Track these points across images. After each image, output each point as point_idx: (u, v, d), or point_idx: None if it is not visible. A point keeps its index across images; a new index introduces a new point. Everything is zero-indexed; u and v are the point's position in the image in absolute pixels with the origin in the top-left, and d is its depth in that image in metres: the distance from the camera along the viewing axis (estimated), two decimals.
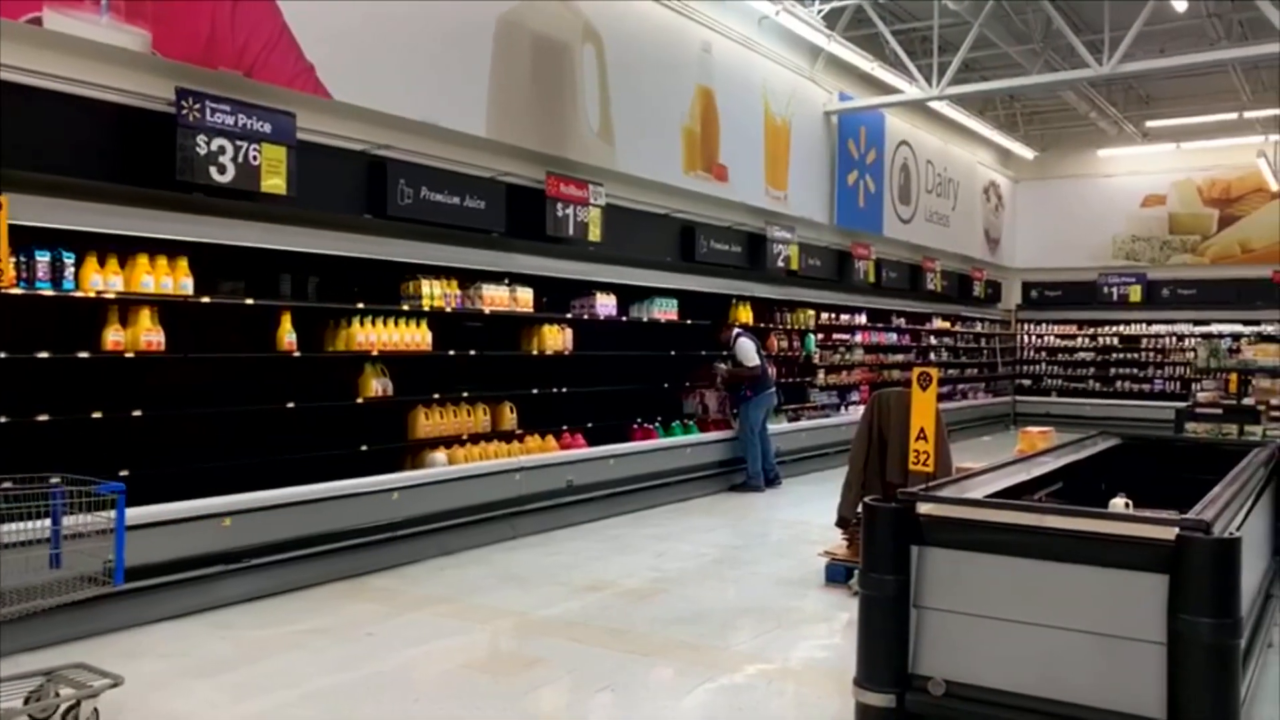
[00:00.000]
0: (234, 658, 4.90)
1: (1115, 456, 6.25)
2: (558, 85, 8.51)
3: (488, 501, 7.55)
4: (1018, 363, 19.77)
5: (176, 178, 5.73)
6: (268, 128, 6.12)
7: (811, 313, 12.80)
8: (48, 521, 3.80)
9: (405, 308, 7.29)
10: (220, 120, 5.88)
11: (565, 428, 8.67)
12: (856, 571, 4.22)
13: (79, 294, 5.39)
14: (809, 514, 8.85)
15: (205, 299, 5.98)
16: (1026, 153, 18.37)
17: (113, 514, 3.83)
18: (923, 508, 3.76)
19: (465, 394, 7.79)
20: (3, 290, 4.88)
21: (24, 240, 5.09)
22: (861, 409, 7.30)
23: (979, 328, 18.60)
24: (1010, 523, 3.60)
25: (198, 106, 5.77)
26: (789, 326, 12.32)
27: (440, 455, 7.40)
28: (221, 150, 5.89)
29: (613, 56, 9.08)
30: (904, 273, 15.51)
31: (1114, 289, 18.61)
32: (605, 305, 9.17)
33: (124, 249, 5.63)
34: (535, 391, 8.43)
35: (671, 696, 4.52)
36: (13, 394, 5.23)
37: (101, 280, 5.48)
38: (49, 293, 5.25)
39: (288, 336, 6.45)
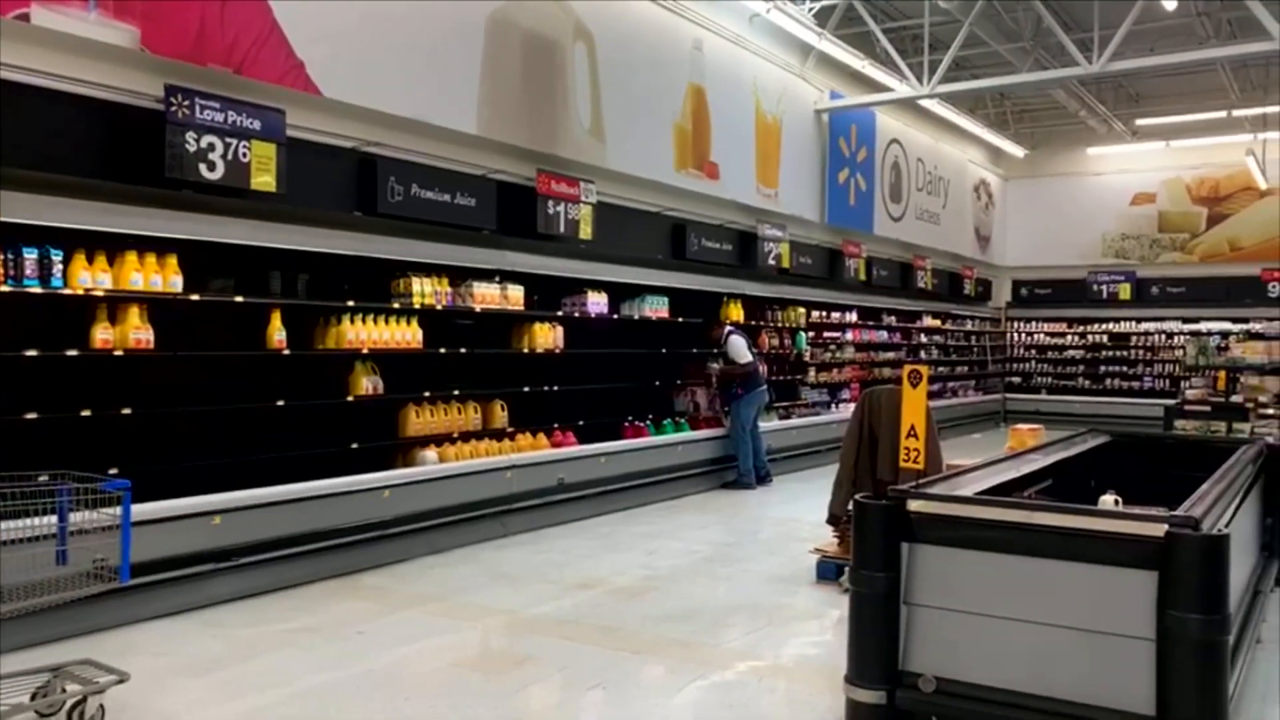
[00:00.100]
0: (224, 656, 4.88)
1: (1104, 454, 6.28)
2: (549, 83, 8.50)
3: (478, 499, 7.55)
4: (1008, 360, 19.83)
5: (166, 175, 5.71)
6: (257, 125, 6.10)
7: (802, 311, 12.82)
8: (45, 519, 3.80)
9: (396, 305, 7.27)
10: (210, 117, 5.86)
11: (556, 426, 8.66)
12: (847, 569, 4.22)
13: (67, 291, 5.36)
14: (800, 511, 8.87)
15: (195, 297, 5.95)
16: (1017, 151, 18.43)
17: (114, 510, 3.84)
18: (913, 505, 3.77)
19: (456, 392, 7.78)
20: None
21: (12, 237, 5.07)
22: (852, 407, 7.31)
23: (969, 326, 18.65)
24: (1000, 520, 3.61)
25: (187, 103, 5.75)
26: (780, 324, 12.34)
27: (431, 453, 7.39)
28: (211, 147, 5.87)
29: (604, 54, 9.07)
30: (895, 271, 15.54)
31: (1103, 287, 18.69)
32: (596, 303, 9.16)
33: (113, 246, 5.60)
34: (526, 389, 8.42)
35: (663, 694, 4.52)
36: (1, 393, 5.20)
37: (90, 278, 5.45)
38: (37, 290, 5.22)
39: (278, 334, 6.43)
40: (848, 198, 13.77)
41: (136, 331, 5.63)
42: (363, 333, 6.92)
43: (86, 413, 5.45)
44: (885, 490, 3.96)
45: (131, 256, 5.64)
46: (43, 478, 3.83)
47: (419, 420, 7.42)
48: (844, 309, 14.20)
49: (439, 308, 7.54)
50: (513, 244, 8.32)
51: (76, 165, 5.52)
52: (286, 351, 6.49)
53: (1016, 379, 19.63)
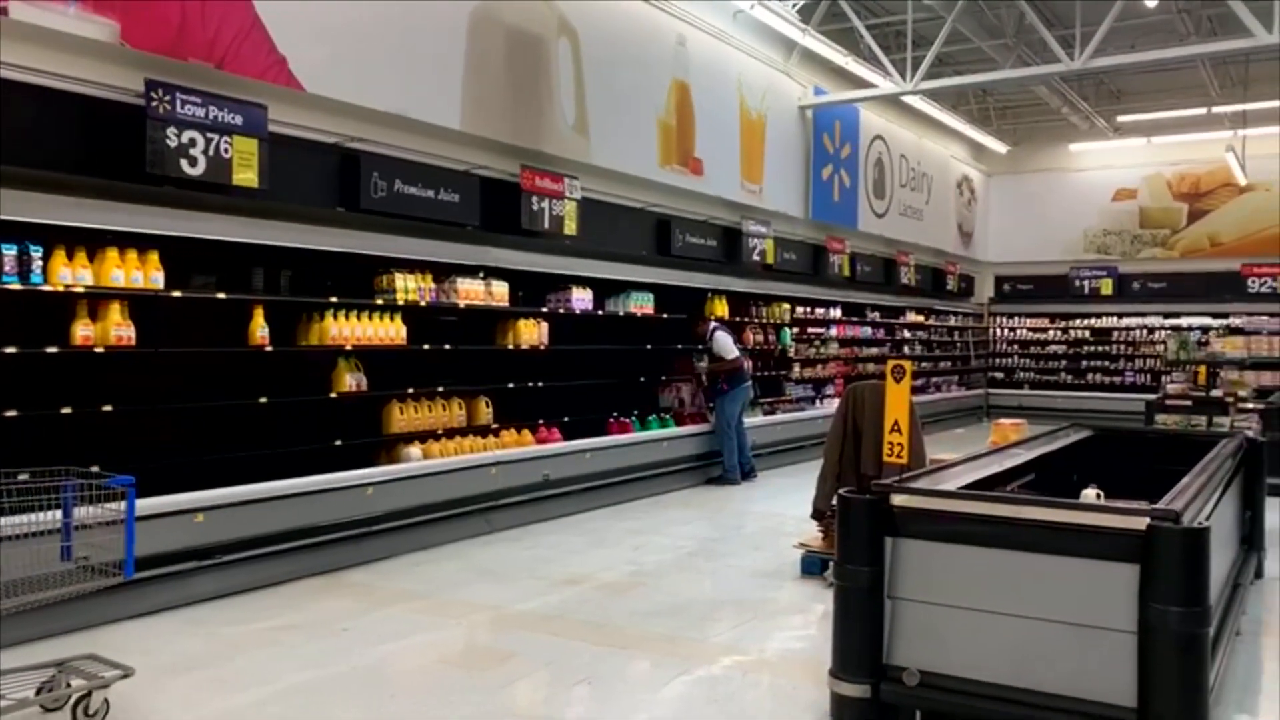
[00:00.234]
0: (207, 654, 4.86)
1: (1087, 448, 6.33)
2: (533, 78, 8.47)
3: (463, 496, 7.53)
4: (990, 356, 19.93)
5: (146, 170, 5.66)
6: (239, 120, 6.06)
7: (787, 306, 12.85)
8: (48, 515, 3.79)
9: (379, 302, 7.24)
10: (191, 112, 5.82)
11: (541, 422, 8.66)
12: (832, 563, 4.24)
13: (47, 288, 5.31)
14: (784, 506, 8.90)
15: (176, 293, 5.91)
16: (999, 147, 18.51)
17: (118, 505, 3.86)
18: (897, 499, 3.79)
19: (440, 388, 7.76)
20: None
21: None
22: (836, 402, 7.34)
23: (952, 321, 18.73)
24: (983, 514, 3.63)
25: (167, 98, 5.70)
26: (764, 320, 12.36)
27: (415, 450, 7.37)
28: (192, 143, 5.83)
29: (588, 50, 9.05)
30: (878, 266, 15.59)
31: (1085, 282, 18.80)
32: (581, 299, 9.15)
33: (93, 242, 5.55)
34: (511, 386, 8.41)
35: (649, 689, 4.53)
36: None
37: (70, 274, 5.40)
38: (16, 287, 5.16)
39: (260, 331, 6.40)
40: (832, 194, 13.80)
41: (118, 328, 5.59)
42: (346, 329, 6.89)
43: (67, 410, 5.41)
44: (869, 485, 3.98)
45: (112, 253, 5.60)
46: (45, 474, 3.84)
47: (403, 417, 7.40)
48: (828, 305, 14.23)
49: (423, 304, 7.52)
50: (497, 240, 8.30)
51: (56, 160, 5.46)
52: (269, 348, 6.45)
53: (999, 374, 19.73)
